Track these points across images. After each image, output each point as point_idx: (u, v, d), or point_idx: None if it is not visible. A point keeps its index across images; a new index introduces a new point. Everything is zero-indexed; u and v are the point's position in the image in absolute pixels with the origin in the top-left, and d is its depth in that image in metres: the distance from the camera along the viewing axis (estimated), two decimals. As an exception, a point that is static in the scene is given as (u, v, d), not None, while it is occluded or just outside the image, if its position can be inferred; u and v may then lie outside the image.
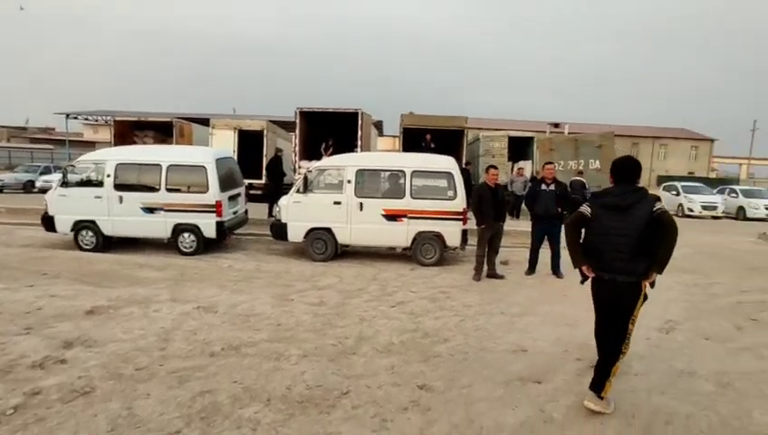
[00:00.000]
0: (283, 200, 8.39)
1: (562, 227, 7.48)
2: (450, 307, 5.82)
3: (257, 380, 3.67)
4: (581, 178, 14.37)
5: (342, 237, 8.22)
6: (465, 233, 8.09)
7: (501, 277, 7.37)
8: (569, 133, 16.89)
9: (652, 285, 3.29)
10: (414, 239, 8.14)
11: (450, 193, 8.07)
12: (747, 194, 20.04)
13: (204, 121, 18.71)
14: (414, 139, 18.22)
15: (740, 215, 19.39)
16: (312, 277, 7.11)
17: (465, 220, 8.06)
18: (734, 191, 20.42)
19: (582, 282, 3.58)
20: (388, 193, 8.30)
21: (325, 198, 8.24)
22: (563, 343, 4.76)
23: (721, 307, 6.29)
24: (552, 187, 7.39)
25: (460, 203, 7.98)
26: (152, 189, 8.28)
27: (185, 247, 8.36)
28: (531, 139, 18.38)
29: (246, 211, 9.82)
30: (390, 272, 7.59)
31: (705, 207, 18.96)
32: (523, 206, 8.81)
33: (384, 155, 8.52)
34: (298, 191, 8.28)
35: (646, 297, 3.35)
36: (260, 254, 8.80)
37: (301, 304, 5.73)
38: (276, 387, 3.56)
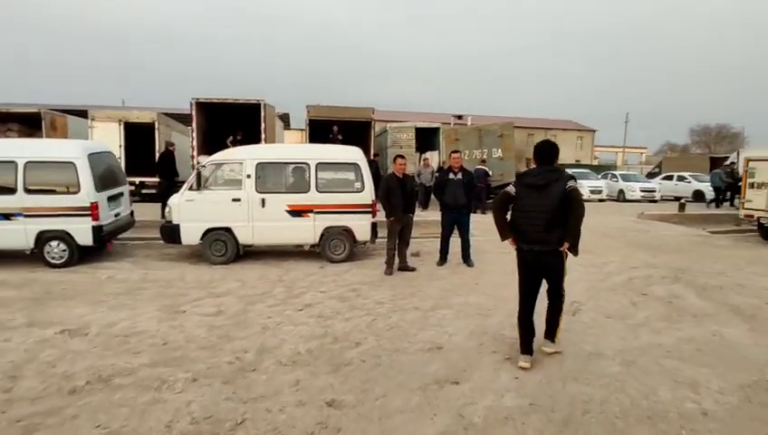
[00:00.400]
0: (174, 199, 7.47)
1: (470, 215, 7.47)
2: (361, 306, 5.45)
3: (129, 420, 3.00)
4: (485, 167, 14.80)
5: (244, 237, 7.51)
6: (374, 226, 7.78)
7: (413, 270, 7.17)
8: (472, 124, 17.36)
9: (574, 252, 3.72)
10: (322, 235, 7.67)
11: (357, 185, 7.70)
12: (626, 178, 22.13)
13: (84, 114, 16.54)
14: (321, 131, 17.64)
15: (620, 197, 21.32)
16: (209, 283, 6.37)
17: (374, 213, 7.74)
18: (615, 176, 22.45)
19: (503, 241, 3.99)
20: (292, 187, 7.72)
21: (223, 195, 7.47)
22: (478, 336, 4.60)
23: (616, 285, 6.61)
24: (460, 175, 7.31)
25: (368, 195, 7.64)
26: (7, 192, 6.92)
27: (53, 259, 7.11)
28: (437, 129, 18.64)
29: (132, 213, 8.67)
30: (298, 271, 7.06)
31: (592, 192, 20.57)
32: (433, 196, 8.52)
33: (286, 147, 7.92)
34: (191, 188, 7.41)
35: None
36: (150, 260, 7.79)
37: (194, 316, 5.03)
38: (153, 427, 2.93)
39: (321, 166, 7.66)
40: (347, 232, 7.72)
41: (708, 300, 5.98)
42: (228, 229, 7.46)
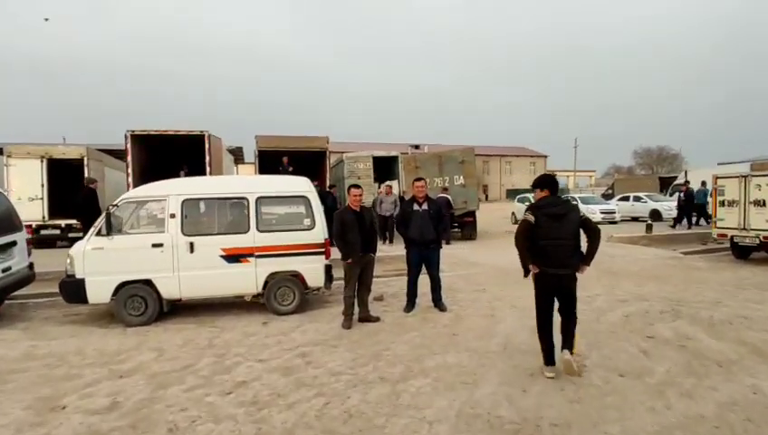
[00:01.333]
0: (78, 247, 5.96)
1: (440, 250, 6.37)
2: (312, 381, 4.14)
3: None
4: (447, 196, 13.88)
5: (168, 291, 6.06)
6: (329, 269, 6.52)
7: (376, 320, 5.93)
8: (430, 151, 16.61)
9: (582, 272, 4.03)
10: (266, 283, 6.33)
11: (307, 222, 6.46)
12: (585, 201, 21.86)
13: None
14: (272, 163, 16.32)
15: (582, 220, 20.90)
16: (115, 356, 4.88)
17: (327, 253, 6.50)
18: (575, 199, 22.17)
19: (526, 275, 4.08)
20: (227, 228, 6.39)
21: (140, 240, 6.04)
22: (468, 421, 3.38)
23: (614, 326, 5.60)
24: (425, 206, 6.22)
25: (320, 233, 6.40)
26: None
27: None
28: (395, 158, 17.72)
29: (31, 265, 7.03)
30: (235, 331, 5.66)
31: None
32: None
33: (221, 179, 6.66)
34: (99, 233, 5.93)
35: None
36: (48, 326, 6.17)
37: (75, 416, 3.57)
38: None
39: (263, 200, 6.40)
40: (296, 278, 6.42)
41: (723, 340, 5.05)
42: (148, 282, 6.01)
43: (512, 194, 56.42)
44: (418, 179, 6.40)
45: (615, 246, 12.46)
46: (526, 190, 45.36)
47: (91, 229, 5.99)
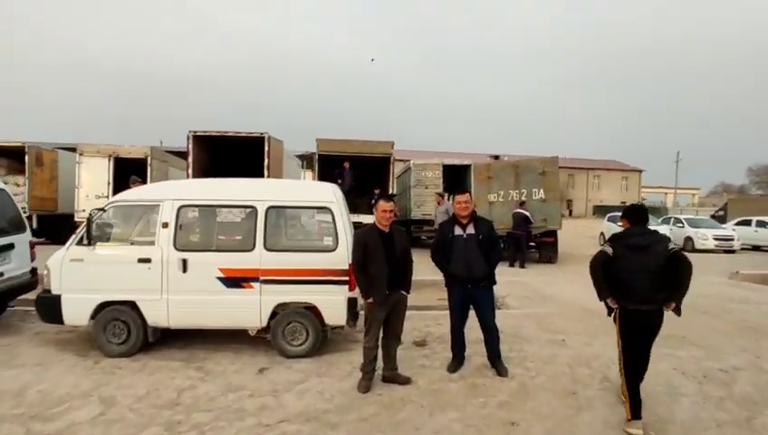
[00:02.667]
0: (56, 257, 4.94)
1: (493, 288, 4.56)
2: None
3: None
4: (524, 211, 11.78)
5: (154, 316, 4.86)
6: (353, 303, 4.95)
7: (405, 382, 4.26)
8: (507, 160, 14.55)
9: (678, 312, 3.54)
10: (273, 315, 4.91)
11: (329, 241, 4.96)
12: (693, 224, 18.38)
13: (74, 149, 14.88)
14: (334, 168, 15.25)
15: (688, 246, 17.53)
16: (52, 407, 3.69)
17: (353, 283, 4.93)
18: (680, 221, 18.74)
19: (610, 314, 3.73)
20: (228, 243, 5.10)
21: (125, 254, 4.90)
22: None
23: (779, 438, 3.45)
24: (472, 229, 4.46)
25: (345, 256, 4.85)
26: None
27: None
28: (468, 166, 15.86)
29: (33, 271, 6.22)
30: (219, 381, 4.27)
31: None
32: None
33: (224, 183, 5.35)
34: (80, 242, 4.88)
35: None
36: (28, 345, 5.22)
37: None
38: None
39: (275, 211, 5.01)
40: (311, 311, 4.94)
41: None
42: (132, 304, 4.84)
43: (599, 211, 51.40)
44: (462, 192, 4.61)
45: (743, 286, 9.61)
46: (616, 208, 40.86)
47: (72, 236, 4.95)
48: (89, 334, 5.14)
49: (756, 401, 4.07)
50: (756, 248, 18.47)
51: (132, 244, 5.03)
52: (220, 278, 4.83)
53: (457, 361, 4.65)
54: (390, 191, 14.54)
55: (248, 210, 4.97)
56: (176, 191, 5.05)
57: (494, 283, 4.54)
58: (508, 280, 9.27)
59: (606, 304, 3.69)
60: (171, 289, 4.81)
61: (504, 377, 4.43)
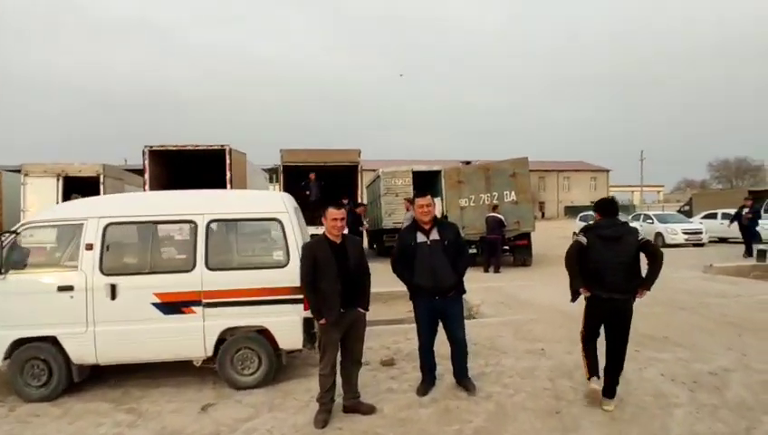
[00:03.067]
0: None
1: (462, 299, 4.10)
2: None
3: None
4: (498, 214, 11.46)
5: (80, 352, 4.21)
6: (310, 323, 4.39)
7: (368, 411, 3.74)
8: (477, 163, 14.29)
9: (641, 297, 3.68)
10: (219, 343, 4.33)
11: (279, 256, 4.42)
12: (663, 220, 18.50)
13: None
14: (299, 180, 14.70)
15: (658, 242, 17.55)
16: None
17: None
18: (650, 217, 18.82)
19: (573, 300, 3.84)
20: (164, 263, 4.51)
21: (42, 281, 4.25)
22: None
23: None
24: (435, 234, 4.00)
25: (298, 272, 4.29)
26: None
27: None
28: (438, 172, 15.53)
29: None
30: (151, 426, 3.65)
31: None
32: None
33: (158, 196, 4.79)
34: (-11, 271, 4.20)
35: None
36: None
37: None
38: None
39: (217, 225, 4.46)
40: (262, 335, 4.37)
41: None
42: (53, 340, 4.18)
43: (571, 211, 52.13)
44: (421, 195, 4.12)
45: (717, 279, 9.45)
46: (587, 208, 41.36)
47: (-20, 265, 4.27)
48: (4, 376, 4.44)
49: (751, 406, 3.71)
50: (723, 241, 18.68)
51: (50, 270, 4.37)
52: (156, 304, 4.23)
53: (428, 382, 4.15)
54: (360, 201, 14.07)
55: (187, 225, 4.39)
56: (101, 207, 4.43)
57: (464, 292, 4.09)
58: (483, 286, 8.87)
59: (574, 292, 3.79)
60: (99, 320, 4.18)
61: (472, 395, 3.97)
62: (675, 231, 17.24)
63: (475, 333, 5.44)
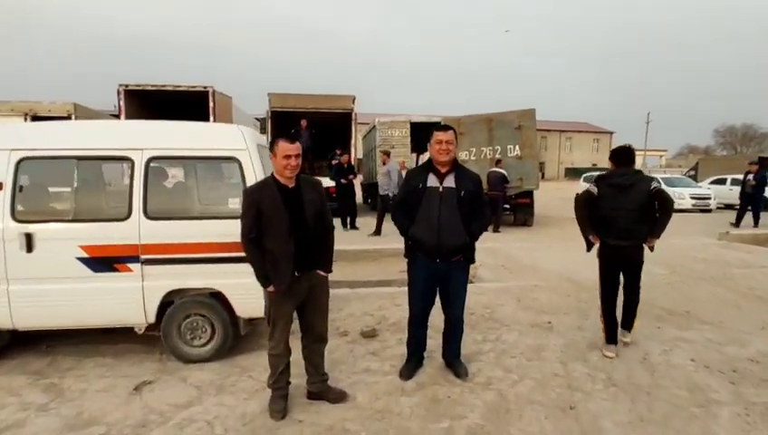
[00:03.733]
0: None
1: (470, 264, 3.28)
2: None
3: None
4: (500, 169, 10.56)
5: (-9, 316, 3.42)
6: (274, 287, 3.60)
7: (339, 399, 3.00)
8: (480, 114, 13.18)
9: (651, 248, 3.68)
10: (163, 308, 3.54)
11: (236, 203, 3.55)
12: (670, 183, 17.54)
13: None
14: (289, 127, 13.63)
15: (664, 206, 16.76)
16: None
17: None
18: (658, 181, 17.89)
19: (588, 249, 3.80)
20: (92, 209, 3.65)
21: (-59, 228, 3.39)
22: None
23: None
24: (451, 180, 3.13)
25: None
26: None
27: None
28: (438, 124, 14.43)
29: None
30: (64, 410, 2.91)
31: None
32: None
33: (87, 125, 3.84)
34: None
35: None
36: None
37: None
38: None
39: (160, 163, 3.58)
40: (217, 300, 3.59)
41: None
42: (-42, 299, 3.39)
43: (571, 173, 51.09)
44: (442, 128, 3.21)
45: (733, 247, 8.69)
46: (588, 169, 40.37)
47: None
48: None
49: (811, 405, 2.98)
50: (730, 207, 17.87)
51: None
52: (82, 259, 3.40)
53: (414, 362, 3.41)
54: (352, 151, 13.09)
55: (122, 163, 3.50)
56: (15, 137, 3.51)
57: (473, 260, 3.26)
58: (481, 246, 8.05)
59: (586, 240, 3.76)
60: (12, 276, 3.37)
61: (462, 379, 3.24)
62: (683, 195, 16.40)
63: (472, 301, 4.69)
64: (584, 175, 19.13)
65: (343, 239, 9.14)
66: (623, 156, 3.68)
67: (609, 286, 3.79)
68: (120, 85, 11.62)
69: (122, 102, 11.58)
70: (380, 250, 7.55)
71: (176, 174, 4.28)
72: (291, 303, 2.76)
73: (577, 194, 3.77)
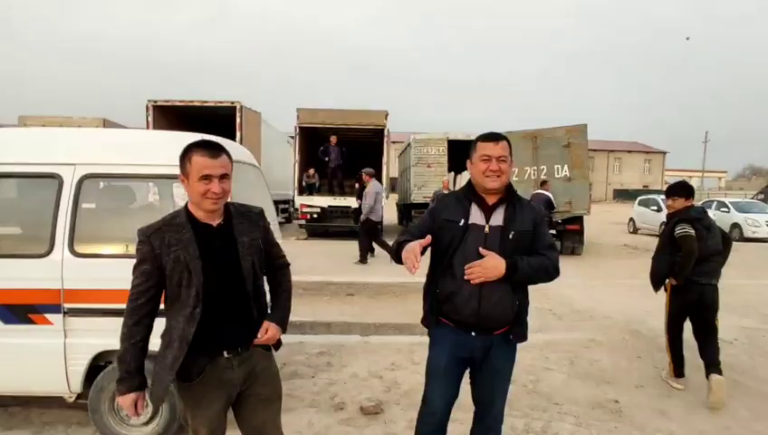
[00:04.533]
0: None
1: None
2: None
3: None
4: (546, 192, 9.31)
5: None
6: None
7: None
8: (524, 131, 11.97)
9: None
10: (92, 373, 2.65)
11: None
12: (741, 208, 15.54)
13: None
14: (318, 144, 12.96)
15: (734, 234, 14.73)
16: None
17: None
18: (725, 205, 15.88)
19: (657, 290, 3.67)
20: (6, 241, 2.82)
21: None
22: None
23: None
24: (499, 217, 1.99)
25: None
26: None
27: None
28: (482, 135, 13.30)
29: None
30: None
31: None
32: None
33: (15, 135, 3.04)
34: None
35: None
36: None
37: None
38: None
39: (95, 183, 2.73)
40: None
41: None
42: None
43: (621, 195, 48.18)
44: (492, 138, 2.01)
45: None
46: (639, 192, 37.68)
47: None
48: None
49: None
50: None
51: None
52: (-9, 306, 2.58)
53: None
54: (384, 170, 12.21)
55: (45, 181, 2.67)
56: None
57: (524, 337, 2.11)
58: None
59: (657, 281, 3.64)
60: None
61: None
62: (757, 223, 14.37)
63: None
64: (639, 198, 17.29)
65: (365, 269, 8.18)
66: (692, 192, 3.60)
67: (679, 321, 3.63)
68: (149, 101, 11.39)
69: (151, 118, 11.32)
70: (404, 284, 6.50)
71: (143, 196, 3.44)
72: (218, 401, 1.75)
73: (687, 235, 3.37)
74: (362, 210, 8.93)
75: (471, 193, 2.06)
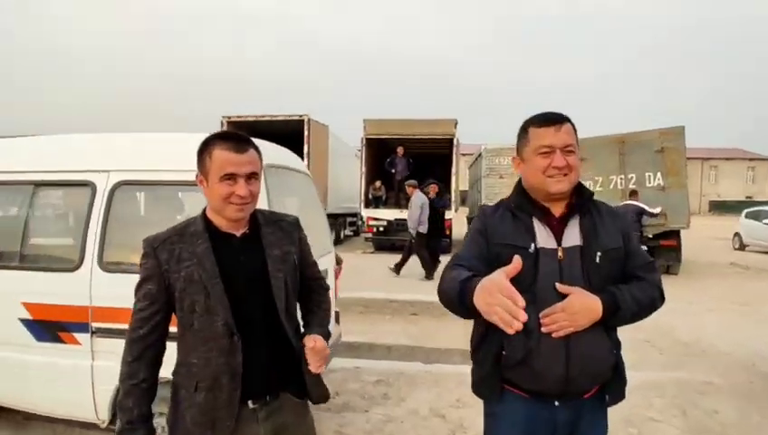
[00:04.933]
0: None
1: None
2: None
3: None
4: (637, 202, 8.21)
5: None
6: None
7: None
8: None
9: None
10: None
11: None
12: None
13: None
14: (385, 154, 12.69)
15: None
16: None
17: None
18: None
19: None
20: (39, 254, 2.66)
21: None
22: None
23: None
24: (575, 234, 1.37)
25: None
26: None
27: None
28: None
29: None
30: None
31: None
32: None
33: (46, 143, 2.86)
34: None
35: None
36: None
37: None
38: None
39: (130, 190, 2.50)
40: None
41: None
42: None
43: (717, 207, 43.28)
44: (550, 120, 1.36)
45: None
46: (742, 203, 33.48)
47: None
48: None
49: None
50: None
51: None
52: (25, 320, 2.42)
53: None
54: (453, 182, 11.64)
55: (77, 189, 2.49)
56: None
57: (622, 396, 1.46)
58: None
59: None
60: (-55, 338, 2.50)
61: None
62: None
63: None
64: (747, 210, 15.06)
65: (431, 286, 7.63)
66: None
67: None
68: (223, 117, 11.81)
69: (225, 133, 11.70)
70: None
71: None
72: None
73: None
74: (408, 224, 8.44)
75: (526, 202, 1.43)
